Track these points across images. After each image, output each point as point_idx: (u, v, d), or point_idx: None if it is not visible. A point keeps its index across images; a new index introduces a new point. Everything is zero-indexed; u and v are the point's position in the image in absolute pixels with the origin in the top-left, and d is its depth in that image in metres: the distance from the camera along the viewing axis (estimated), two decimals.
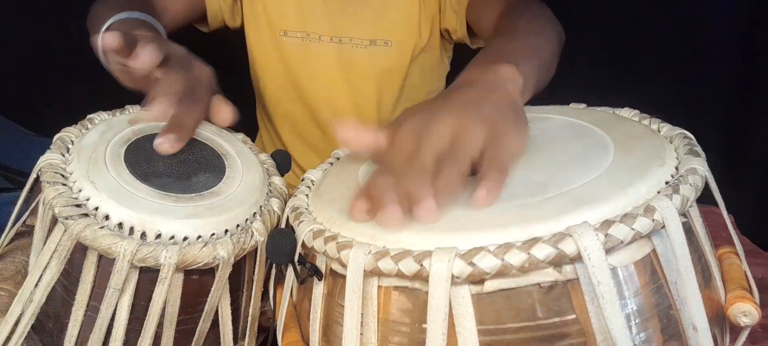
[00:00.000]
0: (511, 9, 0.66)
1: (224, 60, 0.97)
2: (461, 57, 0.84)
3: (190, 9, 0.79)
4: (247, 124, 0.66)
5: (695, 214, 0.37)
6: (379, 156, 0.42)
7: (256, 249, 0.48)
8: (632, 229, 0.31)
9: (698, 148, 0.39)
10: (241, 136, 0.57)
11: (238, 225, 0.46)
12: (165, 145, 0.48)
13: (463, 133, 0.38)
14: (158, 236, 0.42)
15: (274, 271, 0.49)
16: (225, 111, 0.55)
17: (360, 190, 0.39)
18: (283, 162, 0.56)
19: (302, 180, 0.49)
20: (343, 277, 0.35)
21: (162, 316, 0.43)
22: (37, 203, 0.47)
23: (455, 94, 0.43)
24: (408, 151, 0.39)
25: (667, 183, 0.35)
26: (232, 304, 0.47)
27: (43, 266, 0.43)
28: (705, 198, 0.38)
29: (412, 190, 0.36)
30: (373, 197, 0.37)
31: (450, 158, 0.37)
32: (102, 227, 0.41)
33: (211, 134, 0.54)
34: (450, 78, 0.91)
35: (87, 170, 0.44)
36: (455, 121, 0.39)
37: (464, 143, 0.38)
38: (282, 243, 0.39)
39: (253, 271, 0.49)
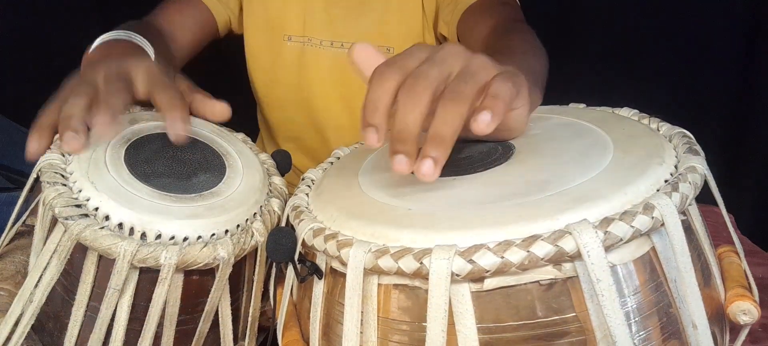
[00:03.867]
0: (500, 29, 0.67)
1: (226, 64, 0.97)
2: None
3: (199, 30, 0.79)
4: (248, 125, 0.66)
5: (695, 212, 0.37)
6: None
7: (256, 249, 0.48)
8: (631, 226, 0.31)
9: (697, 147, 0.39)
10: (241, 136, 0.57)
11: (238, 225, 0.46)
12: (179, 132, 0.47)
13: (475, 64, 0.37)
14: (158, 236, 0.42)
15: (274, 270, 0.49)
16: (217, 107, 0.54)
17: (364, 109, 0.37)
18: (283, 162, 0.56)
19: (302, 179, 0.49)
20: (344, 275, 0.35)
21: (162, 316, 0.43)
22: (37, 203, 0.47)
23: None
24: (415, 62, 0.37)
25: (666, 181, 0.35)
26: (232, 304, 0.47)
27: (43, 267, 0.43)
28: (705, 197, 0.38)
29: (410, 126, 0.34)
30: (377, 125, 0.35)
31: (457, 83, 0.36)
32: (102, 228, 0.41)
33: (211, 134, 0.54)
34: None
35: (87, 170, 0.44)
36: (468, 53, 0.37)
37: (476, 70, 0.36)
38: (282, 242, 0.39)
39: (254, 271, 0.49)
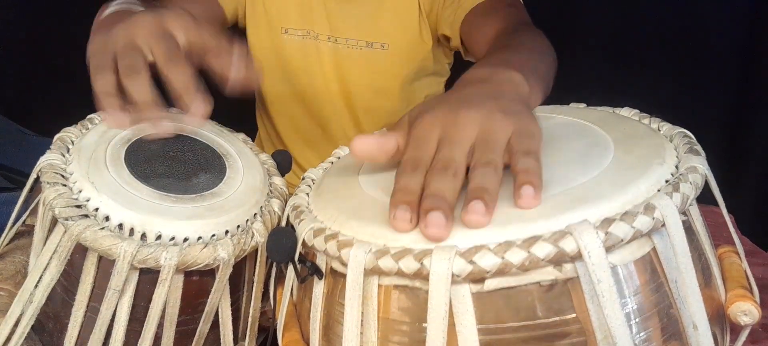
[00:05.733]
0: (508, 30, 0.66)
1: None
2: (462, 63, 0.84)
3: (207, 17, 0.79)
4: (247, 125, 0.66)
5: (695, 213, 0.37)
6: (402, 156, 0.38)
7: (257, 249, 0.47)
8: (632, 227, 0.31)
9: (698, 147, 0.39)
10: (241, 136, 0.57)
11: (238, 226, 0.46)
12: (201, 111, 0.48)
13: (491, 126, 0.36)
14: (158, 237, 0.42)
15: (274, 270, 0.49)
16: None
17: (393, 197, 0.35)
18: (283, 162, 0.56)
19: (303, 179, 0.49)
20: (344, 276, 0.35)
21: (162, 317, 0.43)
22: (37, 203, 0.47)
23: (470, 89, 0.42)
24: (433, 148, 0.36)
25: (667, 182, 0.35)
26: (232, 304, 0.47)
27: (43, 267, 0.43)
28: (705, 197, 0.38)
29: (446, 193, 0.33)
30: (409, 202, 0.34)
31: (483, 153, 0.35)
32: (102, 228, 0.41)
33: (211, 134, 0.54)
34: (449, 84, 0.91)
35: (87, 171, 0.44)
36: (480, 114, 0.37)
37: (495, 135, 0.36)
38: (282, 242, 0.39)
39: (254, 271, 0.49)
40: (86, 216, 0.42)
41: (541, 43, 0.61)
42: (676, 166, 0.37)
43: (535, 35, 0.63)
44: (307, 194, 0.46)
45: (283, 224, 0.48)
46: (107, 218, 0.42)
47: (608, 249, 0.31)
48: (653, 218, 0.32)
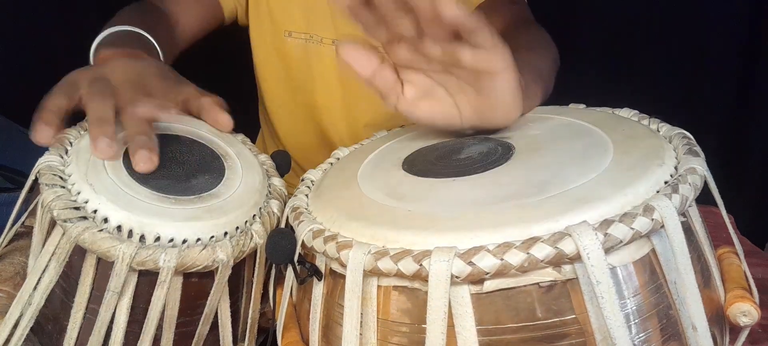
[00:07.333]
0: (510, 29, 0.66)
1: (226, 61, 0.97)
2: None
3: (204, 14, 0.79)
4: (247, 124, 0.66)
5: (694, 214, 0.37)
6: None
7: (256, 251, 0.47)
8: (631, 228, 0.31)
9: (697, 148, 0.39)
10: (240, 137, 0.57)
11: (237, 227, 0.46)
12: (143, 165, 0.45)
13: None
14: (157, 238, 0.42)
15: (273, 271, 0.49)
16: (222, 118, 0.54)
17: None
18: (282, 163, 0.56)
19: (302, 180, 0.49)
20: (343, 277, 0.35)
21: (161, 319, 0.43)
22: (36, 205, 0.47)
23: None
24: None
25: (666, 183, 0.35)
26: (231, 306, 0.47)
27: (42, 269, 0.43)
28: (704, 198, 0.38)
29: None
30: None
31: None
32: (101, 230, 0.41)
33: (210, 135, 0.54)
34: None
35: (86, 172, 0.44)
36: None
37: None
38: (282, 243, 0.39)
39: (253, 272, 0.49)
40: (85, 218, 0.42)
41: (543, 41, 0.61)
42: (676, 168, 0.37)
43: (535, 34, 0.63)
44: (306, 196, 0.46)
45: (282, 225, 0.48)
46: (106, 220, 0.42)
47: (607, 250, 0.31)
48: (652, 220, 0.32)
